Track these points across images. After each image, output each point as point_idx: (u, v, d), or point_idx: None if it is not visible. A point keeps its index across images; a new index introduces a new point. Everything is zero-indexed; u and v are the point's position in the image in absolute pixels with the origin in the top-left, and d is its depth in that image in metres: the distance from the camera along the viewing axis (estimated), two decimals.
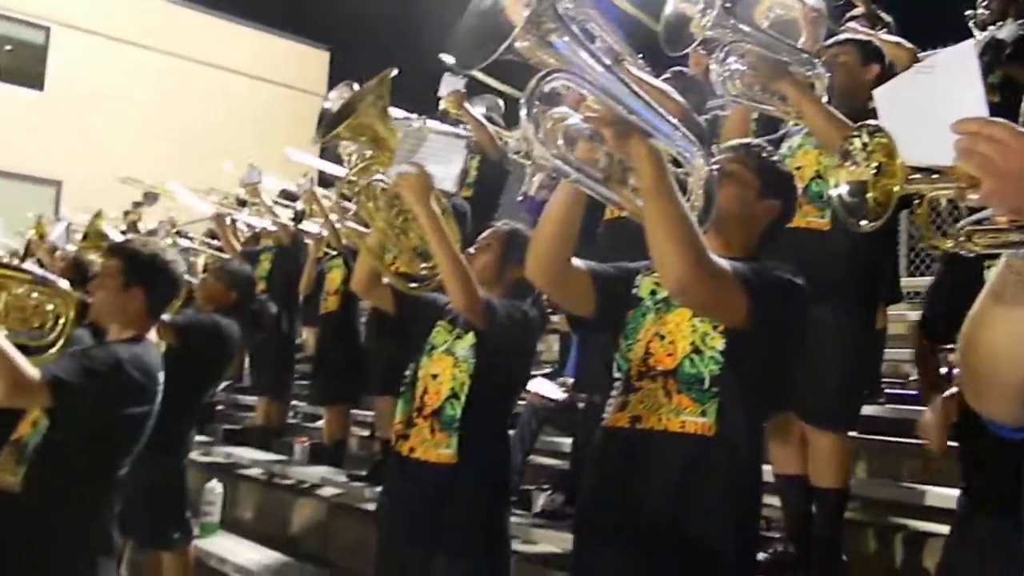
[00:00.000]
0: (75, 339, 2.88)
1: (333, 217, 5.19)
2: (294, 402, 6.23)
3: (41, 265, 5.12)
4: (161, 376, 2.68)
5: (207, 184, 7.25)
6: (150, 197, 9.08)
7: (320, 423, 5.89)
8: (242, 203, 6.26)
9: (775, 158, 2.14)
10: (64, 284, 2.79)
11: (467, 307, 2.37)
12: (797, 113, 2.77)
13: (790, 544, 2.90)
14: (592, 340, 3.35)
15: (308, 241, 5.85)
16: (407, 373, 2.60)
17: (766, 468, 2.56)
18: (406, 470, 2.43)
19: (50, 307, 2.77)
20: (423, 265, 2.60)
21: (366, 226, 2.84)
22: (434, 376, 2.46)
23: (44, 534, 2.45)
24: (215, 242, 6.45)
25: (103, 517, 2.58)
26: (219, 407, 6.55)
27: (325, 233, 5.38)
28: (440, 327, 2.56)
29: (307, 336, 6.55)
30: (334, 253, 5.25)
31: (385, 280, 2.68)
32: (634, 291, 1.99)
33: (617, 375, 1.99)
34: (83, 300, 2.82)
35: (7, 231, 8.35)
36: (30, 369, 2.31)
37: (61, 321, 2.72)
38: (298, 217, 5.68)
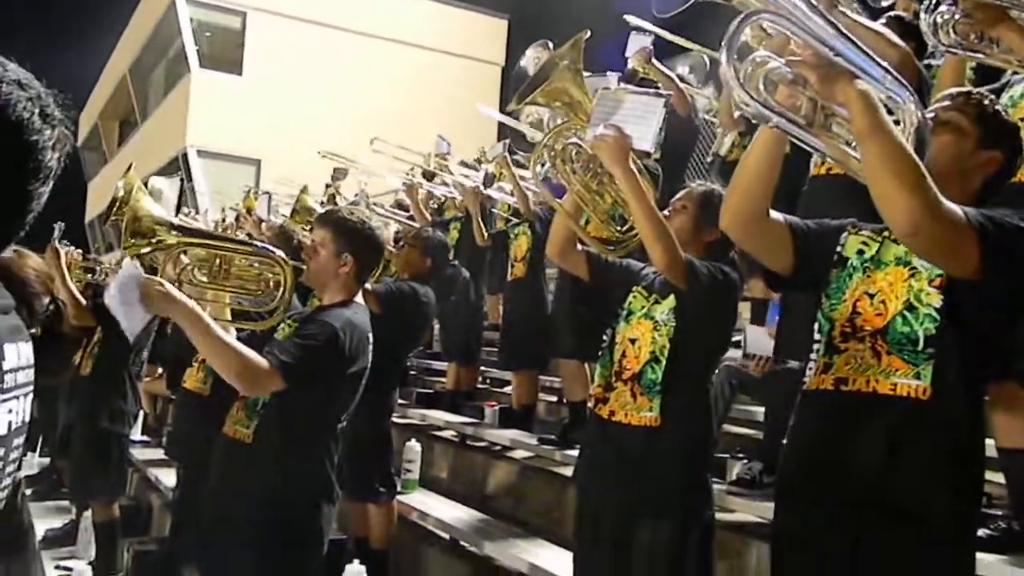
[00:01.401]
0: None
1: (523, 183, 5.26)
2: (483, 367, 6.40)
3: (249, 236, 5.49)
4: (371, 337, 2.84)
5: (394, 157, 7.55)
6: (340, 172, 9.54)
7: (509, 388, 6.03)
8: (431, 173, 6.45)
9: (997, 107, 1.95)
10: (281, 253, 2.99)
11: (669, 268, 2.34)
12: (1020, 61, 2.52)
13: (1014, 521, 2.70)
14: (792, 302, 3.23)
15: (495, 210, 5.96)
16: (604, 338, 2.60)
17: (988, 442, 2.38)
18: (606, 433, 2.44)
19: (270, 275, 2.98)
20: (618, 228, 2.58)
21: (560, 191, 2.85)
22: (632, 340, 2.45)
23: (273, 481, 2.68)
24: (403, 213, 6.71)
25: (324, 467, 2.77)
26: (412, 371, 6.83)
27: (512, 200, 5.45)
28: (636, 292, 2.54)
29: (491, 304, 6.71)
30: (520, 220, 5.31)
31: (579, 246, 2.68)
32: (839, 250, 1.89)
33: (818, 336, 1.89)
34: (298, 268, 3.01)
35: (213, 206, 9.02)
36: (260, 361, 2.53)
37: (281, 288, 2.92)
38: (487, 180, 5.77)
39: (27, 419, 1.27)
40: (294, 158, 13.83)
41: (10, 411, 1.22)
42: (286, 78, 16.66)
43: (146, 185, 3.43)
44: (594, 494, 2.50)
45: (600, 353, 2.58)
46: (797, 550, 1.83)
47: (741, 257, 2.56)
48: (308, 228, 4.31)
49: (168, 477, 5.45)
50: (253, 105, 16.32)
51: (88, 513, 4.85)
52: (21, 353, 1.27)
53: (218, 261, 2.91)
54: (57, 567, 4.51)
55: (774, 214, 1.85)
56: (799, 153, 1.96)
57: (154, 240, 2.75)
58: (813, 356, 1.88)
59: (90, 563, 4.16)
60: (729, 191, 1.87)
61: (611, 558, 2.37)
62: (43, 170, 1.28)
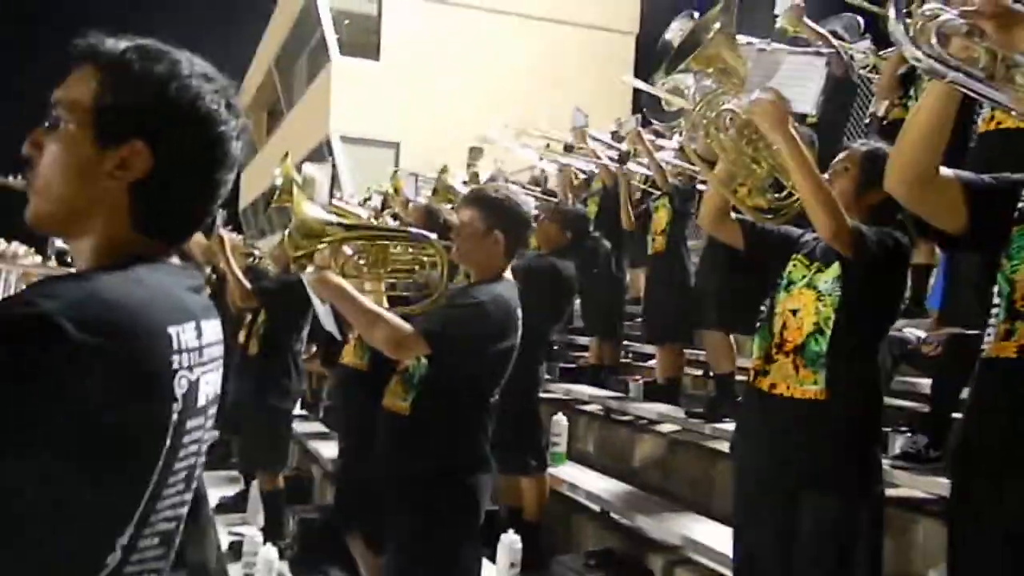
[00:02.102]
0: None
1: (659, 155, 5.19)
2: (626, 342, 6.37)
3: (396, 217, 5.65)
4: (520, 312, 2.88)
5: (528, 133, 7.58)
6: (476, 152, 9.67)
7: (652, 362, 5.99)
8: (569, 147, 6.44)
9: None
10: (434, 237, 3.07)
11: (835, 235, 2.24)
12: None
13: None
14: (959, 264, 3.06)
15: (635, 182, 5.90)
16: (762, 309, 2.53)
17: None
18: (766, 406, 2.38)
19: (424, 258, 3.07)
20: (775, 195, 2.50)
21: (710, 161, 2.79)
22: (794, 311, 2.37)
23: (432, 452, 2.77)
24: (538, 189, 6.74)
25: (480, 439, 2.84)
26: (555, 347, 6.89)
27: (650, 172, 5.39)
28: (796, 261, 2.45)
29: (632, 277, 6.66)
30: (659, 192, 5.24)
31: (733, 214, 2.62)
32: (1021, 205, 1.76)
33: (997, 301, 1.78)
34: (448, 248, 3.09)
35: (357, 189, 9.29)
36: (407, 327, 2.62)
37: (436, 269, 3.00)
38: (622, 158, 5.73)
39: (219, 391, 1.36)
40: (432, 140, 14.13)
41: (207, 383, 1.31)
42: (422, 61, 16.99)
43: (299, 171, 3.57)
44: (754, 469, 2.44)
45: (758, 324, 2.52)
46: (983, 522, 1.73)
47: (909, 219, 2.43)
48: (450, 207, 4.39)
49: (326, 449, 5.72)
50: (391, 89, 16.73)
51: (255, 483, 5.14)
52: (214, 329, 1.35)
53: (375, 250, 3.02)
54: (230, 532, 4.80)
55: (943, 171, 1.74)
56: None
57: (321, 240, 2.86)
58: (992, 322, 1.77)
59: (260, 529, 4.41)
60: (895, 151, 1.77)
61: (774, 535, 2.31)
62: (230, 159, 1.35)
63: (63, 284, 1.17)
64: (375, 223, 3.76)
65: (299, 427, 6.36)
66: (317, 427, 6.64)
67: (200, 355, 1.27)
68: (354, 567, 3.87)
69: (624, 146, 5.81)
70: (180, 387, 1.22)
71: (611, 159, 5.80)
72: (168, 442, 1.23)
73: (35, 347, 1.08)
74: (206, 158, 1.31)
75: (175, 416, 1.22)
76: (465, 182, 6.85)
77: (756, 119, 2.31)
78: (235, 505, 5.54)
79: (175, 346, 1.20)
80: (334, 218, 3.08)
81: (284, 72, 22.65)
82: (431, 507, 2.74)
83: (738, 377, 4.61)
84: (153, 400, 1.19)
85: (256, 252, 6.37)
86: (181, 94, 1.25)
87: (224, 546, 4.61)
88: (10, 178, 1.35)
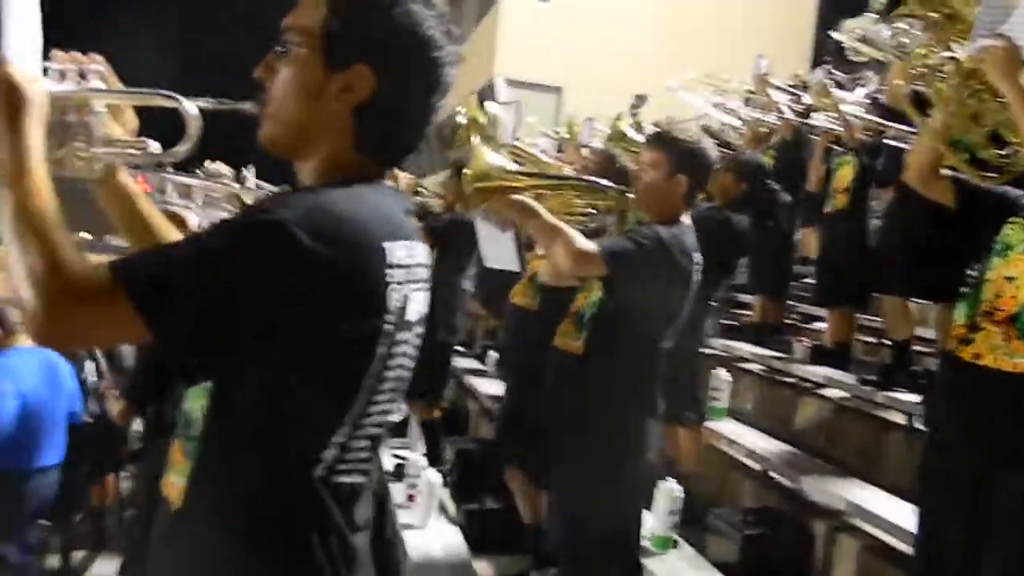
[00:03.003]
0: None
1: (845, 109, 4.92)
2: (791, 302, 6.17)
3: (572, 163, 5.63)
4: (698, 257, 2.83)
5: (699, 81, 7.36)
6: (640, 99, 9.48)
7: (817, 324, 5.78)
8: (748, 98, 6.22)
9: None
10: (613, 185, 3.05)
11: None
12: None
13: None
14: None
15: (814, 136, 5.64)
16: (970, 274, 2.37)
17: None
18: (969, 378, 2.24)
19: (601, 205, 3.07)
20: (997, 151, 2.32)
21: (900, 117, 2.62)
22: (1009, 279, 2.20)
23: (601, 391, 2.79)
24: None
25: (650, 382, 2.84)
26: (714, 303, 6.74)
27: (835, 127, 5.13)
28: (1014, 224, 2.27)
29: (805, 236, 6.40)
30: (843, 149, 4.99)
31: (945, 171, 2.45)
32: None
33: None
34: (624, 192, 3.07)
35: (522, 134, 9.32)
36: (589, 242, 2.62)
37: (612, 216, 3.00)
38: (806, 111, 5.48)
39: (425, 311, 1.41)
40: (596, 85, 13.97)
41: (416, 301, 1.35)
42: (590, 4, 16.71)
43: (482, 107, 3.60)
44: (949, 442, 2.32)
45: (964, 290, 2.37)
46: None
47: None
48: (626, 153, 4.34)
49: (483, 385, 5.87)
50: (557, 31, 16.59)
51: (416, 411, 5.35)
52: (424, 252, 1.40)
53: (551, 196, 3.03)
54: (393, 455, 5.02)
55: None
56: None
57: (498, 184, 2.89)
58: None
59: (423, 455, 4.60)
60: None
61: (966, 512, 2.19)
62: (444, 85, 1.38)
63: (298, 196, 1.24)
64: (552, 169, 3.76)
65: (456, 362, 6.54)
66: (472, 363, 6.81)
67: (411, 272, 1.32)
68: (510, 499, 3.98)
69: (808, 98, 5.55)
70: (393, 300, 1.27)
71: (793, 111, 5.56)
72: (381, 351, 1.29)
73: (272, 251, 1.15)
74: (424, 82, 1.34)
75: (388, 327, 1.28)
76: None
77: (984, 67, 2.14)
78: (397, 430, 5.78)
79: (390, 261, 1.25)
80: (512, 164, 3.11)
81: (454, 11, 22.85)
82: (599, 447, 2.77)
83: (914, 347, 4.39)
84: (369, 310, 1.25)
85: (423, 190, 6.52)
86: (403, 19, 1.29)
87: (388, 467, 4.83)
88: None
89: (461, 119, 3.52)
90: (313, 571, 1.28)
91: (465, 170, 2.89)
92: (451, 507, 4.33)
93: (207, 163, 3.26)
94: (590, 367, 2.84)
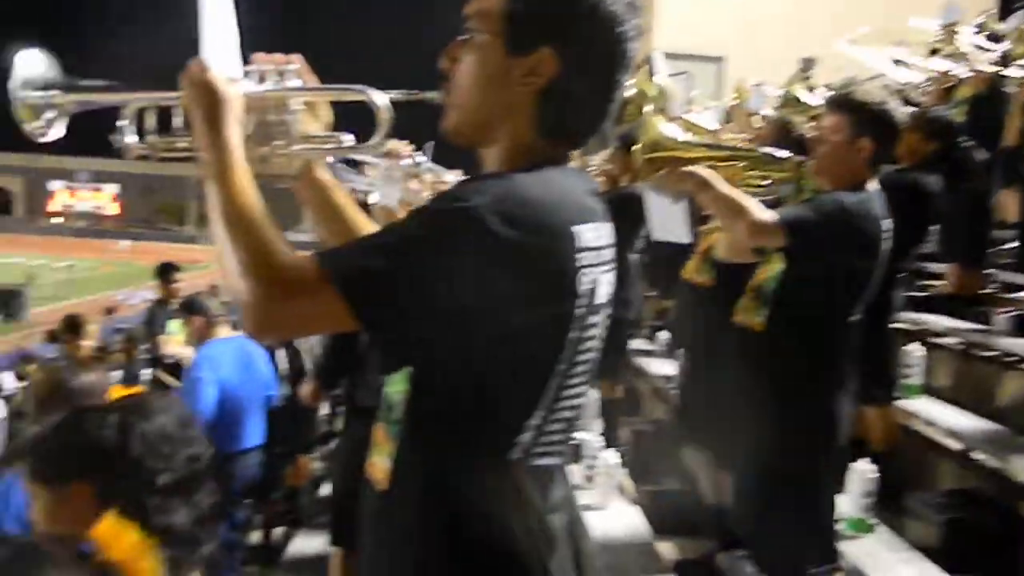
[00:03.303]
0: None
1: None
2: (989, 270, 5.72)
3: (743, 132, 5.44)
4: (887, 223, 2.67)
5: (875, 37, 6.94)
6: (809, 62, 9.06)
7: (1022, 293, 5.33)
8: (933, 51, 5.79)
9: None
10: (789, 155, 2.93)
11: None
12: None
13: None
14: None
15: (1010, 88, 5.20)
16: None
17: None
18: None
19: (776, 175, 2.95)
20: None
21: None
22: None
23: (785, 368, 2.69)
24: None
25: (838, 358, 2.71)
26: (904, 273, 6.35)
27: None
28: None
29: (1003, 198, 5.91)
30: None
31: None
32: None
33: None
34: (800, 162, 2.93)
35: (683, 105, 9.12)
36: (765, 212, 2.52)
37: (789, 187, 2.88)
38: (1003, 60, 5.04)
39: (612, 292, 1.38)
40: (759, 53, 13.47)
41: (604, 283, 1.34)
42: None
43: (651, 79, 3.54)
44: None
45: None
46: None
47: None
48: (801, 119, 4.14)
49: (653, 365, 5.80)
50: (718, 2, 16.12)
51: (591, 391, 5.35)
52: (609, 232, 1.37)
53: (724, 167, 2.93)
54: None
55: None
56: None
57: (670, 156, 2.83)
58: None
59: (600, 435, 4.60)
60: None
61: None
62: (628, 60, 1.35)
63: (489, 182, 1.25)
64: (726, 140, 3.65)
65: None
66: (643, 344, 6.74)
67: (599, 255, 1.30)
68: (689, 480, 3.91)
69: (1005, 45, 5.10)
70: (583, 284, 1.26)
71: (988, 62, 5.13)
72: (573, 335, 1.28)
73: (466, 239, 1.17)
74: (608, 60, 1.32)
75: (579, 311, 1.27)
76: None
77: None
78: None
79: (579, 245, 1.24)
80: (685, 135, 3.03)
81: None
82: (785, 426, 2.68)
83: None
84: (561, 295, 1.25)
85: (590, 167, 6.49)
86: None
87: None
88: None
89: (628, 93, 3.46)
90: (515, 552, 1.30)
91: (636, 143, 2.85)
92: (629, 488, 4.31)
93: (391, 142, 3.37)
94: (773, 343, 2.75)
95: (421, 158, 3.24)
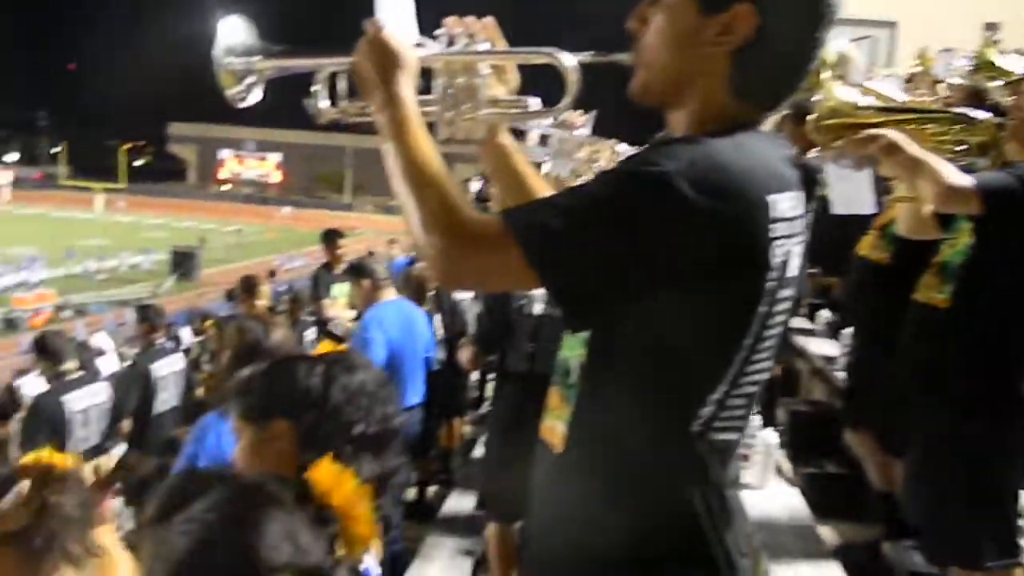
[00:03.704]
0: None
1: None
2: None
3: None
4: None
5: None
6: (993, 27, 8.39)
7: None
8: None
9: None
10: (983, 115, 2.73)
11: None
12: None
13: None
14: None
15: None
16: None
17: None
18: None
19: (970, 140, 2.75)
20: None
21: None
22: None
23: (972, 344, 2.55)
24: None
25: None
26: None
27: None
28: None
29: None
30: None
31: None
32: None
33: None
34: (1000, 123, 2.73)
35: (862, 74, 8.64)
36: (961, 176, 2.36)
37: (985, 150, 2.68)
38: None
39: (801, 265, 1.32)
40: (935, 17, 12.61)
41: (797, 255, 1.27)
42: None
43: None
44: None
45: None
46: None
47: None
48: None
49: (812, 344, 5.58)
50: None
51: None
52: (803, 202, 1.31)
53: (912, 132, 2.76)
54: None
55: None
56: None
57: (852, 123, 2.69)
58: None
59: (757, 413, 4.49)
60: None
61: None
62: (830, 15, 1.27)
63: (682, 146, 1.21)
64: (913, 104, 3.43)
65: None
66: (801, 322, 6.50)
67: (793, 226, 1.24)
68: (852, 463, 3.76)
69: None
70: (776, 256, 1.21)
71: None
72: (763, 309, 1.23)
73: (656, 204, 1.14)
74: (811, 15, 1.25)
75: (770, 284, 1.22)
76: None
77: None
78: None
79: (773, 215, 1.19)
80: (867, 100, 2.87)
81: None
82: (967, 411, 2.52)
83: None
84: (753, 266, 1.20)
85: None
86: None
87: None
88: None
89: None
90: (694, 524, 1.28)
91: (809, 112, 2.72)
92: (787, 469, 4.19)
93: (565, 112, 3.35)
94: (956, 322, 2.59)
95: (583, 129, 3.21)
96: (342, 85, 1.54)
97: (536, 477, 1.44)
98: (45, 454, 1.87)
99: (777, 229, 1.20)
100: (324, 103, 1.55)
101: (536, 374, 3.67)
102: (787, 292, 1.28)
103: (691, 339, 1.22)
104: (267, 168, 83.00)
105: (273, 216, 55.54)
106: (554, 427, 1.38)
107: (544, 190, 1.61)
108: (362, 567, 1.45)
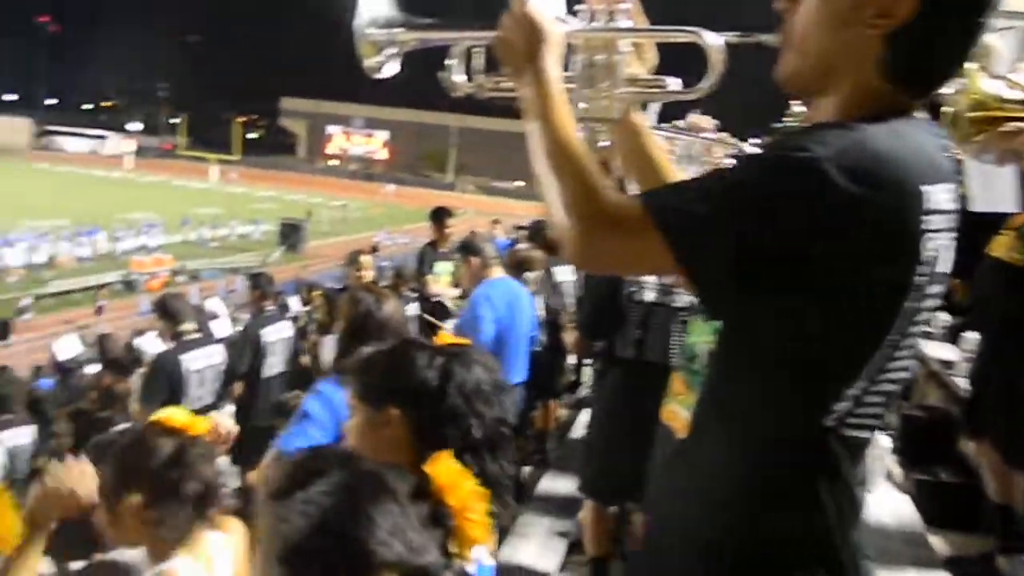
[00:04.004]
0: None
1: None
2: None
3: None
4: None
5: None
6: None
7: None
8: None
9: None
10: None
11: None
12: None
13: None
14: None
15: None
16: None
17: None
18: None
19: None
20: None
21: None
22: None
23: None
24: None
25: None
26: None
27: None
28: None
29: None
30: None
31: None
32: None
33: None
34: None
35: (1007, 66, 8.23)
36: None
37: None
38: None
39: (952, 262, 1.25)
40: None
41: (948, 250, 1.21)
42: None
43: None
44: None
45: None
46: None
47: None
48: None
49: (930, 348, 5.36)
50: None
51: None
52: (957, 195, 1.24)
53: None
54: None
55: None
56: None
57: (998, 117, 2.55)
58: None
59: None
60: None
61: None
62: (995, 4, 1.20)
63: (833, 132, 1.16)
64: None
65: None
66: None
67: (948, 219, 1.18)
68: (967, 472, 3.61)
69: None
70: (927, 250, 1.15)
71: None
72: (909, 305, 1.18)
73: (804, 190, 1.10)
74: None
75: (920, 279, 1.16)
76: None
77: None
78: None
79: (927, 207, 1.13)
80: (1013, 93, 2.72)
81: None
82: None
83: None
84: (901, 258, 1.14)
85: None
86: None
87: None
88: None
89: None
90: (823, 519, 1.24)
91: (944, 105, 2.59)
92: (898, 474, 4.04)
93: (689, 115, 3.23)
94: None
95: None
96: (478, 61, 1.54)
97: (657, 461, 1.42)
98: (176, 413, 1.97)
99: (931, 222, 1.14)
100: (460, 77, 1.55)
101: (643, 361, 3.64)
102: (936, 288, 1.22)
103: (832, 331, 1.17)
104: (374, 145, 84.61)
105: (378, 193, 56.67)
106: (676, 412, 1.36)
107: (676, 174, 1.58)
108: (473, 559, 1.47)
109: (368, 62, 1.53)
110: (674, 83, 1.46)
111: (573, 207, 1.21)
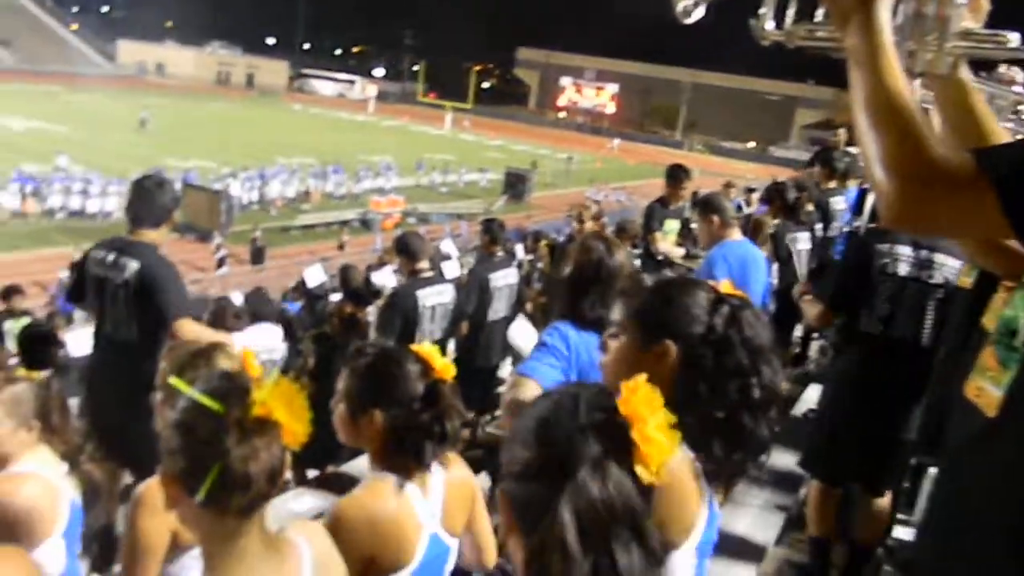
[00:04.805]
0: None
1: None
2: None
3: None
4: None
5: None
6: None
7: None
8: None
9: None
10: None
11: None
12: None
13: None
14: None
15: None
16: None
17: None
18: None
19: None
20: None
21: None
22: None
23: None
24: None
25: None
26: None
27: None
28: None
29: None
30: None
31: None
32: None
33: None
34: None
35: None
36: None
37: None
38: None
39: None
40: None
41: None
42: None
43: None
44: None
45: None
46: None
47: None
48: None
49: None
50: None
51: None
52: None
53: None
54: None
55: None
56: None
57: None
58: None
59: None
60: None
61: None
62: None
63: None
64: None
65: None
66: None
67: None
68: None
69: None
70: None
71: None
72: None
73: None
74: None
75: None
76: None
77: None
78: None
79: None
80: None
81: None
82: None
83: None
84: None
85: None
86: None
87: None
88: None
89: None
90: None
91: None
92: None
93: (1000, 67, 2.90)
94: None
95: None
96: (791, 9, 1.45)
97: (954, 436, 1.31)
98: (427, 348, 2.06)
99: None
100: (770, 24, 1.47)
101: (890, 336, 3.42)
102: None
103: None
104: (603, 98, 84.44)
105: (602, 147, 56.59)
106: (983, 388, 1.24)
107: (1003, 135, 1.43)
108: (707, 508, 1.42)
109: (680, 5, 1.47)
110: (1014, 38, 1.30)
111: (900, 163, 1.13)
